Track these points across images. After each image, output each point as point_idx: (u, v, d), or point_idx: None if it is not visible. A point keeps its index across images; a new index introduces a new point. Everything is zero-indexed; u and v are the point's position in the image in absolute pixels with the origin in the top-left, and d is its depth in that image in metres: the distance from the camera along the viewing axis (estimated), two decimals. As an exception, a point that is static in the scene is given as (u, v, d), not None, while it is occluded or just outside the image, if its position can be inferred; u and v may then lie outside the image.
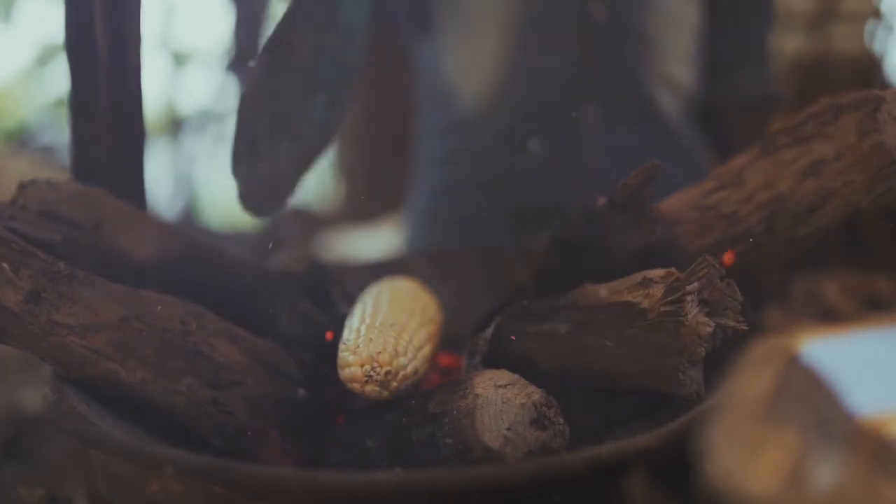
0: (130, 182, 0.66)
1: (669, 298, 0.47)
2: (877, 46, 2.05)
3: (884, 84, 1.98)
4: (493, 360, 0.53)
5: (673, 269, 0.49)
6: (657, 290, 0.48)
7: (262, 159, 0.62)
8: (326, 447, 0.51)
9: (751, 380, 0.28)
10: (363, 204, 2.31)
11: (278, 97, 0.62)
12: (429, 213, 1.12)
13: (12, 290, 0.49)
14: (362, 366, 0.48)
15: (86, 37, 0.62)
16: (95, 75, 0.63)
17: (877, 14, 2.02)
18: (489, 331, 0.54)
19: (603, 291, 0.51)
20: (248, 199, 0.64)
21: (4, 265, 0.49)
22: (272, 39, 0.59)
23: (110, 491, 0.62)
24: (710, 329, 0.47)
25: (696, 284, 0.47)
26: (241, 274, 0.62)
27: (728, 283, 0.48)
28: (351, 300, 0.71)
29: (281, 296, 0.62)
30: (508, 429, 0.44)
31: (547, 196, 1.02)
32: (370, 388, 0.48)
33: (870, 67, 1.98)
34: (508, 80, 1.00)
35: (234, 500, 0.58)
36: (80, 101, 0.63)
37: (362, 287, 0.76)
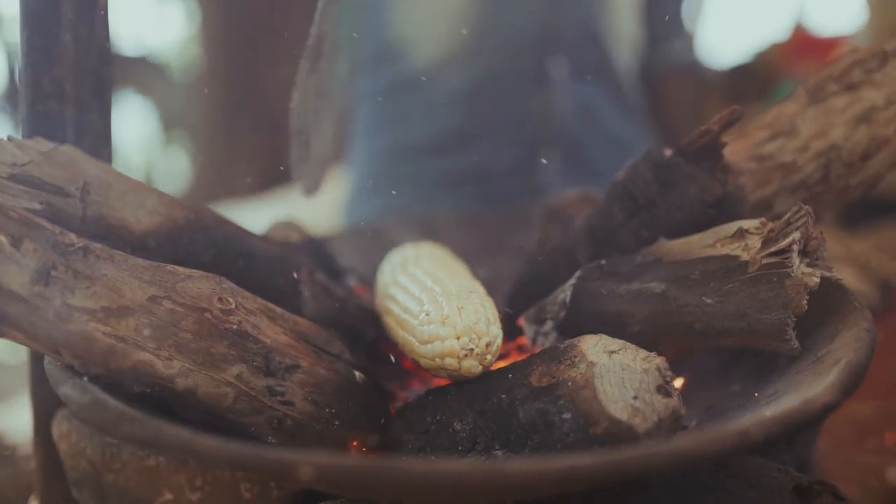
0: (97, 141, 0.56)
1: (772, 249, 0.45)
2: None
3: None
4: (575, 324, 0.49)
5: (765, 219, 0.47)
6: (755, 242, 0.46)
7: (313, 134, 0.61)
8: (400, 434, 0.45)
9: None
10: (223, 182, 2.24)
11: (320, 80, 0.61)
12: (372, 177, 1.06)
13: (15, 268, 0.39)
14: (459, 338, 0.42)
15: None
16: (57, 14, 0.52)
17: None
18: (565, 294, 0.50)
19: (691, 245, 0.48)
20: (307, 179, 0.63)
21: (2, 238, 0.39)
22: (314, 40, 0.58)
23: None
24: (816, 280, 0.44)
25: (798, 234, 0.45)
26: (253, 244, 0.54)
27: (821, 232, 0.46)
28: (353, 271, 0.64)
29: (299, 267, 0.54)
30: (635, 397, 0.40)
31: (505, 156, 0.98)
32: (468, 363, 0.42)
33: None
34: (465, 35, 0.95)
35: None
36: (39, 45, 0.52)
37: (347, 257, 0.69)
